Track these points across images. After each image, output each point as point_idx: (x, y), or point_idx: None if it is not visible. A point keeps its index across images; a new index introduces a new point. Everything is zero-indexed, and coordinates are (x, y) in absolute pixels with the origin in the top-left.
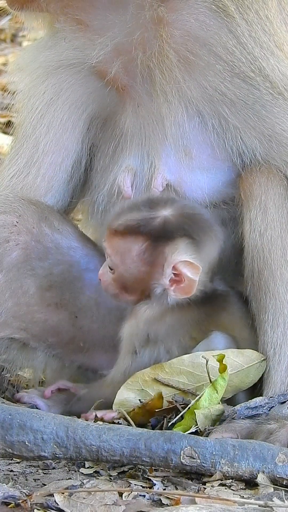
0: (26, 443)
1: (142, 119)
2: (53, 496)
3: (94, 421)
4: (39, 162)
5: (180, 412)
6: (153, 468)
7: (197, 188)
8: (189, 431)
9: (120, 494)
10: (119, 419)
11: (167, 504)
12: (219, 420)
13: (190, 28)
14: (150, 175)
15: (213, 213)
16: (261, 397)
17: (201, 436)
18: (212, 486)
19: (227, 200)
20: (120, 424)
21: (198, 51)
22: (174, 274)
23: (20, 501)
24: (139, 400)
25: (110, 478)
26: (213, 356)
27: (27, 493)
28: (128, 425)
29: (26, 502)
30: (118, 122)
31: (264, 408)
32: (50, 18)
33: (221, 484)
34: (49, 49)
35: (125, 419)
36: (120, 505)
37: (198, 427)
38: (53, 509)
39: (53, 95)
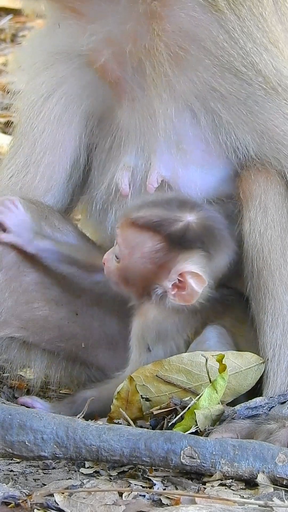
0: (26, 443)
1: (137, 113)
2: (53, 496)
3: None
4: (38, 161)
5: (180, 412)
6: (153, 468)
7: (191, 184)
8: (189, 431)
9: (120, 494)
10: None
11: (167, 504)
12: (219, 420)
13: (181, 23)
14: (146, 171)
15: None
16: (261, 397)
17: (201, 436)
18: (212, 486)
19: (222, 197)
20: (120, 424)
21: (188, 46)
22: (179, 280)
23: (20, 501)
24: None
25: (110, 478)
26: (212, 356)
27: (27, 493)
28: (128, 425)
29: (26, 502)
30: (114, 117)
31: (264, 408)
32: (46, 6)
33: (221, 484)
34: (45, 37)
35: (125, 419)
36: (120, 505)
37: (198, 427)
38: (53, 509)
39: (50, 89)
